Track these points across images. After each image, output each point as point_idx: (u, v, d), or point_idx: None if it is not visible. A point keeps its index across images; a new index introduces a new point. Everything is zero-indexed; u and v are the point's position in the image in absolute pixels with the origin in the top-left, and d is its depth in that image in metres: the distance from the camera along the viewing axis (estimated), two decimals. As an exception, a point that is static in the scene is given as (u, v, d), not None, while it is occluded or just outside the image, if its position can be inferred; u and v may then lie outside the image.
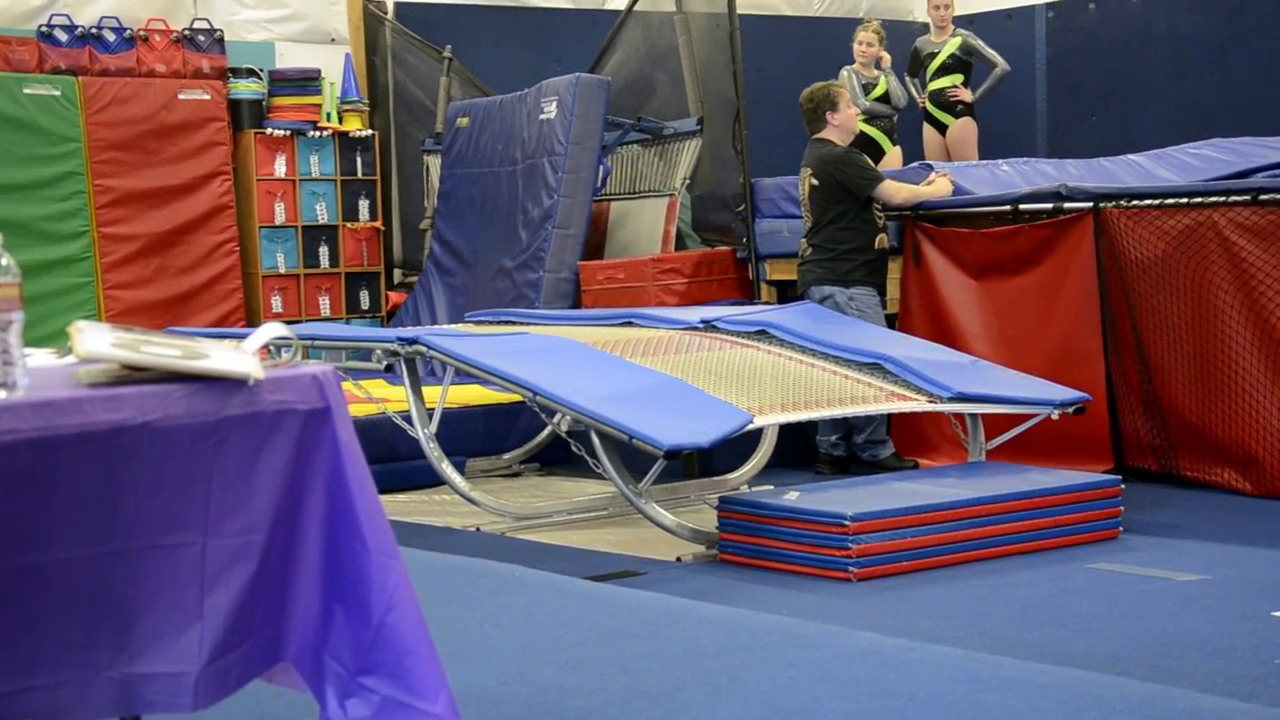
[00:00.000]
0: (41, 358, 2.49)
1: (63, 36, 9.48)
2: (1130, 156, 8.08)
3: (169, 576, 2.26)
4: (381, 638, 2.34)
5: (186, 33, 9.86)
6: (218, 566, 2.30)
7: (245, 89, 10.03)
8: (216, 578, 2.30)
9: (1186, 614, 4.42)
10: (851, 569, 5.01)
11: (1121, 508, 5.63)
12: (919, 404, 5.83)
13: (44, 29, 9.45)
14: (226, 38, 10.03)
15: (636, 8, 9.63)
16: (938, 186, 7.44)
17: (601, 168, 8.91)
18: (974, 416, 6.22)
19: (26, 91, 9.26)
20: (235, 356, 2.32)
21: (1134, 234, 6.65)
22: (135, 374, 2.26)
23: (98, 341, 2.23)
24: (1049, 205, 7.00)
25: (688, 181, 8.94)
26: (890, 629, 4.18)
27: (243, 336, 2.45)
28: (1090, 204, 6.83)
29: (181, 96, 9.73)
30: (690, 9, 9.05)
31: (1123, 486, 5.69)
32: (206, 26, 9.94)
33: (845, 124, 7.24)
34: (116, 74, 9.59)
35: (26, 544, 2.13)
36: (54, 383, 2.24)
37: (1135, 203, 6.69)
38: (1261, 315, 6.26)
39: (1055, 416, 5.93)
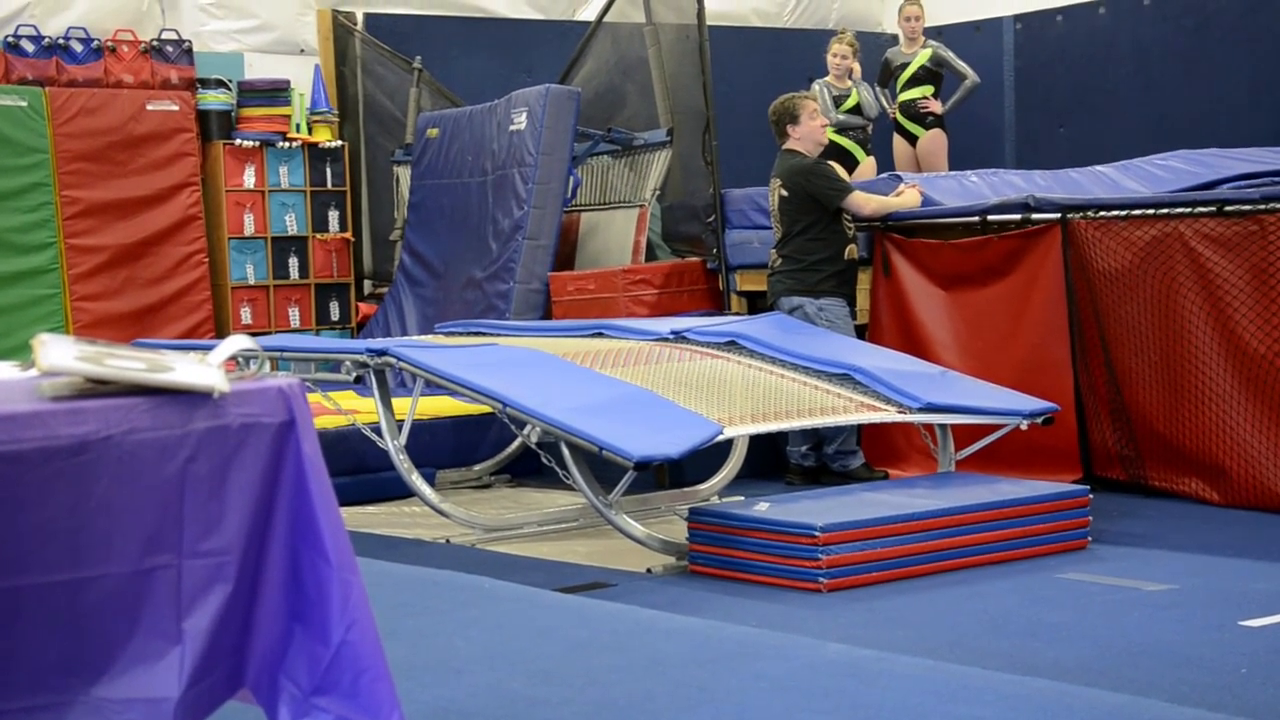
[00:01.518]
0: (4, 371, 2.46)
1: (29, 47, 9.42)
2: (1098, 168, 8.12)
3: (147, 599, 2.23)
4: (340, 656, 2.31)
5: (155, 43, 9.82)
6: (194, 589, 2.26)
7: (214, 100, 9.99)
8: (193, 600, 2.26)
9: (1155, 624, 4.43)
10: (821, 580, 5.01)
11: (1090, 518, 5.65)
12: (889, 414, 5.84)
13: (10, 39, 9.39)
14: (195, 48, 9.99)
15: (606, 19, 9.64)
16: (907, 197, 7.46)
17: (571, 179, 8.91)
18: (943, 427, 6.24)
19: (-8, 102, 9.22)
20: (200, 369, 2.30)
21: (1101, 245, 6.68)
22: (99, 387, 2.23)
23: (61, 354, 2.21)
24: (1017, 216, 7.03)
25: (658, 192, 8.94)
26: (860, 640, 4.18)
27: (209, 349, 2.43)
28: (1058, 215, 6.86)
29: (150, 107, 9.69)
30: (660, 20, 9.06)
31: (1091, 496, 5.71)
32: (175, 37, 9.90)
33: (808, 136, 7.25)
34: (84, 85, 9.54)
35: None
36: (16, 396, 2.21)
37: (1103, 214, 6.72)
38: (1228, 326, 6.29)
39: (1024, 427, 5.95)
